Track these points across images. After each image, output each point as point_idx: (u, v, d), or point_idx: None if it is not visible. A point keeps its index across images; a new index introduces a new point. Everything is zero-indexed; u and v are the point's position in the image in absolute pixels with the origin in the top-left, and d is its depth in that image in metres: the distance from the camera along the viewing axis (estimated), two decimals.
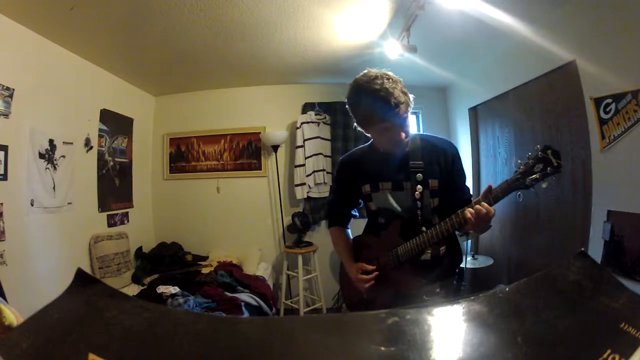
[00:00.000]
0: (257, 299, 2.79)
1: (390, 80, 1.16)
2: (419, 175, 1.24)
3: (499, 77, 2.96)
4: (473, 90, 3.36)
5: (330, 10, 2.23)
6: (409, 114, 1.21)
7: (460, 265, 1.41)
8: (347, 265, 1.41)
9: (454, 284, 1.36)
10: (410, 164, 1.26)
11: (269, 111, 3.86)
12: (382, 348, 0.31)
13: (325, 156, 3.71)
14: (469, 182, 3.45)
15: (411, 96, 1.20)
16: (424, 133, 1.42)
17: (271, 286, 3.33)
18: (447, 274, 1.33)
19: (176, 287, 2.67)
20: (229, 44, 2.71)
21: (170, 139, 3.94)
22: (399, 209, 1.29)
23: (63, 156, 2.57)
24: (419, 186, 1.24)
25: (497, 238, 3.14)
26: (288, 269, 3.51)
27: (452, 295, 1.32)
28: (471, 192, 1.35)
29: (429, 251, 1.26)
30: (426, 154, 1.27)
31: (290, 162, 3.78)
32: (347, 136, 3.72)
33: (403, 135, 1.19)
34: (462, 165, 1.33)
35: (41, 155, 2.37)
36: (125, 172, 3.45)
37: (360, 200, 1.44)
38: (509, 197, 3.29)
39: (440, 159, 1.28)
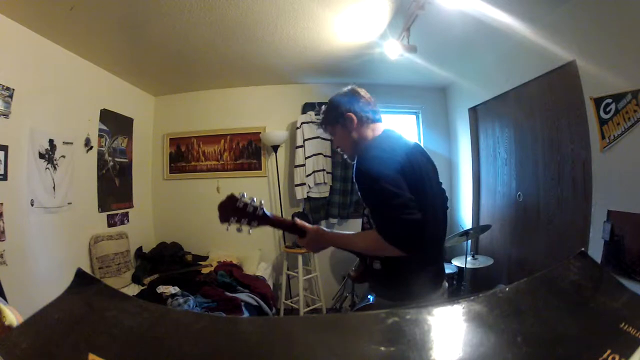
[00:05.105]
0: (257, 299, 2.78)
1: (330, 102, 1.33)
2: None
3: (499, 77, 2.95)
4: (473, 90, 3.36)
5: (330, 10, 2.23)
6: (339, 130, 1.31)
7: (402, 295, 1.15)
8: None
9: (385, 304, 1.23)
10: None
11: (269, 111, 3.86)
12: (382, 348, 0.31)
13: (325, 156, 3.70)
14: (469, 182, 3.49)
15: (345, 114, 1.27)
16: (382, 135, 1.27)
17: (271, 286, 3.33)
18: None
19: (176, 287, 2.66)
20: (229, 44, 2.71)
21: (170, 139, 3.94)
22: None
23: (63, 156, 2.57)
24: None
25: (497, 238, 3.14)
26: (288, 269, 3.51)
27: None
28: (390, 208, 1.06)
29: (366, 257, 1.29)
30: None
31: (290, 162, 3.78)
32: None
33: (336, 146, 1.38)
34: (365, 183, 1.12)
35: (41, 155, 2.37)
36: (125, 172, 3.45)
37: None
38: (509, 197, 3.25)
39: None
